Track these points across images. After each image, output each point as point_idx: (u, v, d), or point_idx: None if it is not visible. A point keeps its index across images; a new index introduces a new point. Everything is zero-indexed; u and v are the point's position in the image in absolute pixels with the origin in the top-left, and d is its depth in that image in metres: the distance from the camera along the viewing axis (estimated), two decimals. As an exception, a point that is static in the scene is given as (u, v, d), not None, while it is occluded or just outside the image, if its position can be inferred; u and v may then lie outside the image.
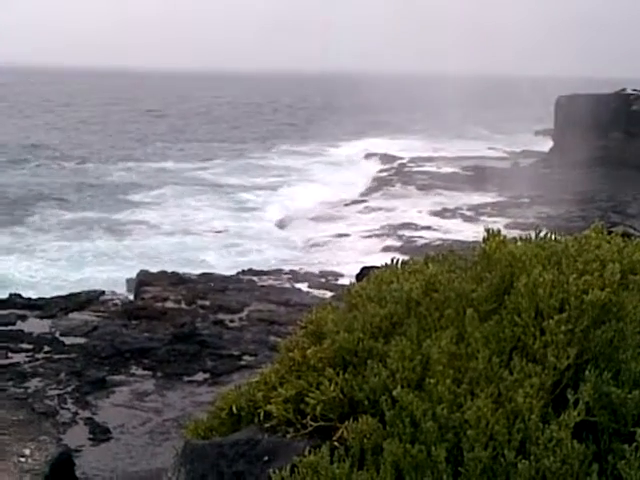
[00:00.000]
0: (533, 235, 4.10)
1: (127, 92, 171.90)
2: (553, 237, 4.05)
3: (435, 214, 44.89)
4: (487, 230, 4.13)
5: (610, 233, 4.13)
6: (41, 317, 21.74)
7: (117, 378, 18.00)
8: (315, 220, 43.43)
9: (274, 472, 3.05)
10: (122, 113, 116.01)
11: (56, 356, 18.91)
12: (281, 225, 42.61)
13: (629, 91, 66.01)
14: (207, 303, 23.47)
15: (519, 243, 3.98)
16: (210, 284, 25.68)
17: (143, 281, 25.24)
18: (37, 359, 18.71)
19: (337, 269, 30.62)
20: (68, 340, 20.01)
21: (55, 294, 24.44)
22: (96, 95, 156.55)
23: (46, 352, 19.16)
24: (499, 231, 4.11)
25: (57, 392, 16.93)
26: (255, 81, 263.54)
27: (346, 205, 47.44)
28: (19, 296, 23.28)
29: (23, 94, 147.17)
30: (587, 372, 3.05)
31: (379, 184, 56.65)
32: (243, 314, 22.80)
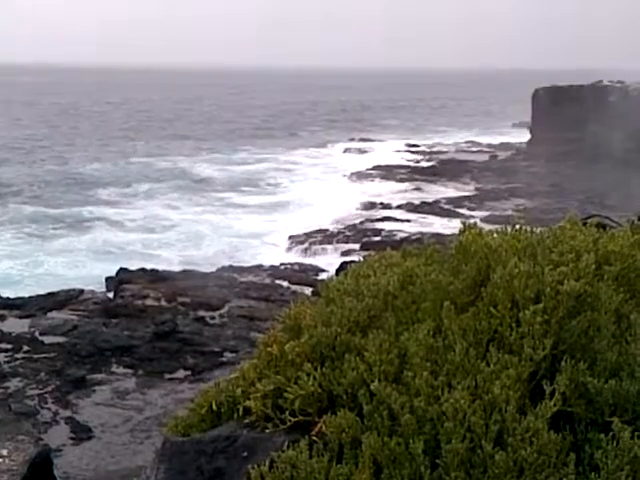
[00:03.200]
0: (509, 227, 4.11)
1: (125, 89, 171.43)
2: (529, 229, 4.07)
3: (414, 208, 45.00)
4: (463, 222, 4.14)
5: (585, 224, 4.15)
6: (20, 316, 21.63)
7: (98, 377, 17.96)
8: (294, 215, 43.40)
9: (253, 468, 3.05)
10: (112, 111, 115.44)
11: (36, 355, 18.82)
12: (259, 220, 42.53)
13: (605, 83, 66.39)
14: (187, 300, 23.43)
15: (495, 235, 3.99)
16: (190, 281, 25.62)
17: (122, 279, 25.15)
18: (16, 359, 18.62)
19: (317, 264, 30.64)
20: (48, 339, 19.93)
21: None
22: (88, 92, 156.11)
23: (25, 352, 19.07)
24: (475, 223, 4.12)
25: (37, 392, 16.87)
26: (252, 77, 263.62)
27: (326, 200, 47.42)
28: (-3, 296, 23.15)
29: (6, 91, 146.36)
30: (563, 363, 3.06)
31: (358, 179, 56.70)
32: (224, 310, 22.80)
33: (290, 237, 36.82)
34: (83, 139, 78.50)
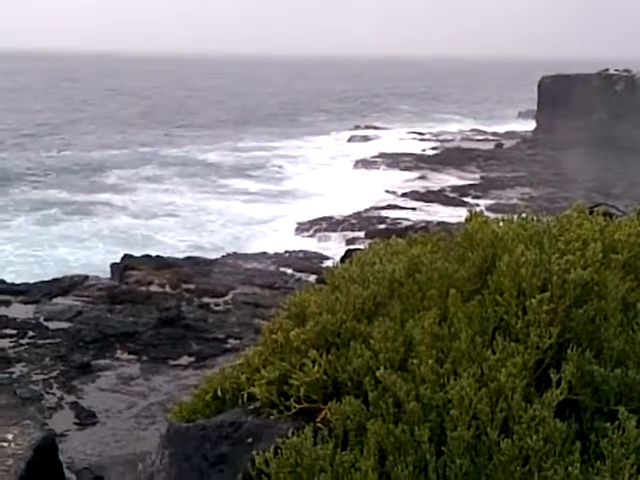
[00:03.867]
0: (515, 216, 4.09)
1: (129, 77, 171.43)
2: (535, 217, 4.05)
3: (419, 196, 44.94)
4: (469, 211, 4.13)
5: (591, 213, 4.13)
6: (25, 302, 21.65)
7: (102, 362, 17.99)
8: (299, 202, 43.41)
9: (257, 454, 3.05)
10: (117, 97, 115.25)
11: (40, 341, 18.85)
12: (264, 207, 42.51)
13: (612, 71, 66.10)
14: (192, 287, 23.45)
15: (501, 223, 3.98)
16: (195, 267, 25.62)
17: (127, 265, 25.17)
18: (21, 344, 18.66)
19: (322, 252, 30.62)
20: (52, 325, 19.96)
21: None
22: (93, 79, 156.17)
23: (30, 337, 19.10)
24: (481, 211, 4.11)
25: (42, 377, 16.91)
26: (251, 65, 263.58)
27: (331, 187, 47.40)
28: (2, 282, 23.16)
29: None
30: (569, 351, 3.06)
31: (364, 166, 56.62)
32: (228, 297, 22.80)
33: (295, 224, 36.80)
34: (89, 126, 78.51)
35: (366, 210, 40.17)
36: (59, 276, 24.21)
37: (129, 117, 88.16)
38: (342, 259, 17.13)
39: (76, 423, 15.05)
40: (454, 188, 47.65)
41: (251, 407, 3.53)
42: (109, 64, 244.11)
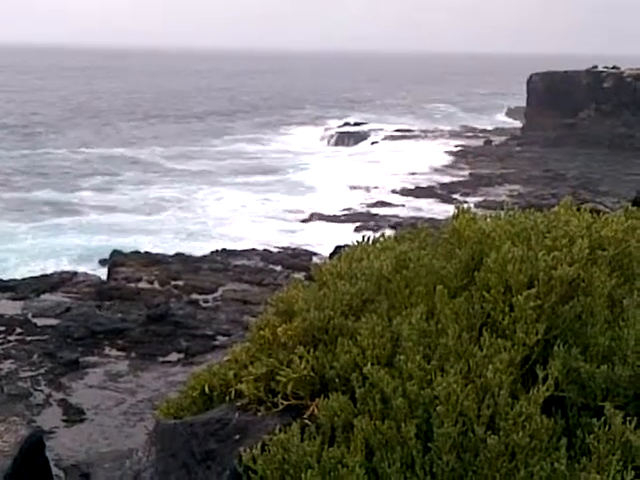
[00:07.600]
0: (503, 212, 4.10)
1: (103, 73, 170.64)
2: (522, 214, 4.06)
3: (408, 192, 45.01)
4: (457, 207, 4.13)
5: (579, 210, 4.14)
6: (13, 299, 21.55)
7: (91, 359, 17.93)
8: (290, 199, 43.39)
9: (245, 450, 3.04)
10: (105, 96, 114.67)
11: (28, 338, 18.78)
12: (252, 204, 42.47)
13: (600, 68, 66.23)
14: (181, 283, 23.40)
15: (489, 220, 3.98)
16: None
17: (116, 262, 25.10)
18: (9, 341, 18.58)
19: (311, 248, 30.61)
20: (41, 321, 19.88)
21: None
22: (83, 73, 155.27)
23: (18, 334, 19.02)
24: (469, 208, 4.11)
25: (30, 374, 16.84)
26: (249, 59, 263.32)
27: (322, 184, 47.39)
28: (-10, 278, 23.04)
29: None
30: (556, 347, 3.06)
31: (353, 162, 56.63)
32: (217, 294, 22.76)
33: (284, 220, 36.81)
34: (74, 122, 78.13)
35: (355, 206, 40.23)
36: (47, 272, 24.13)
37: (121, 114, 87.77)
38: (331, 256, 17.09)
39: (64, 420, 15.00)
40: (443, 185, 47.74)
41: (238, 404, 3.52)
42: (104, 61, 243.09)
